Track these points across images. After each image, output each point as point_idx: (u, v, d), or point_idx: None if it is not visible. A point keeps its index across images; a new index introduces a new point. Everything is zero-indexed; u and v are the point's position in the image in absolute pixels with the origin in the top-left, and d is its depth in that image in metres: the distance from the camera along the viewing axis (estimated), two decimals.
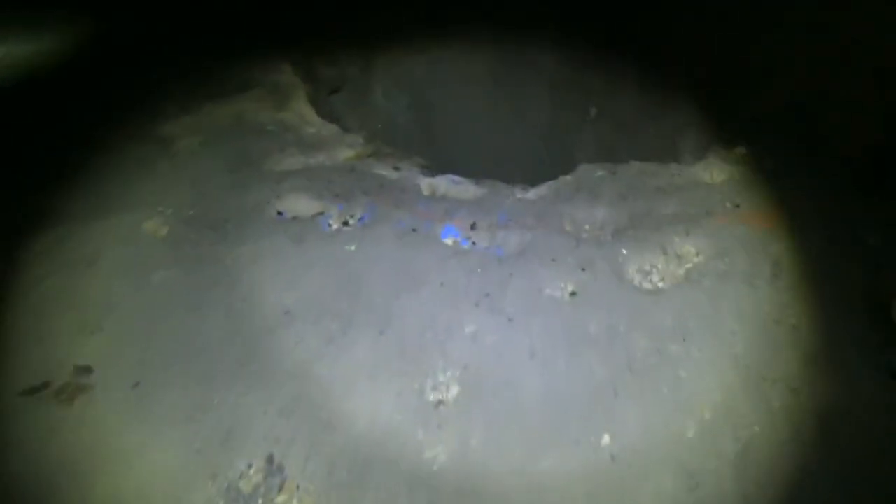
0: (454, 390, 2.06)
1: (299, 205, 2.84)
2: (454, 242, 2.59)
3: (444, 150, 5.43)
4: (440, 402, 2.02)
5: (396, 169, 3.17)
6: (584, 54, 4.99)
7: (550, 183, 3.06)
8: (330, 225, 2.68)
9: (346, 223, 2.69)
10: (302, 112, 3.79)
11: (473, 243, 2.60)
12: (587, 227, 2.69)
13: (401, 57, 5.25)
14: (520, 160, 5.33)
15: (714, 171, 2.99)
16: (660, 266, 2.50)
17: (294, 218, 2.76)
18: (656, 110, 4.15)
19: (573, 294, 2.37)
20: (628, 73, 4.42)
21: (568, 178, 3.05)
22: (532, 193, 3.01)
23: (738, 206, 2.72)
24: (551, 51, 5.15)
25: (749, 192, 2.81)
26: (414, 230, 2.61)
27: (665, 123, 4.01)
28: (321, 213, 2.76)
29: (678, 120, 3.87)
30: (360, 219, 2.70)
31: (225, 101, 3.84)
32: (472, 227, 2.68)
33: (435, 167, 5.96)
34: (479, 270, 2.46)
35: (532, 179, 5.68)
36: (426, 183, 3.01)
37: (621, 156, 4.46)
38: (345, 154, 3.30)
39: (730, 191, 2.84)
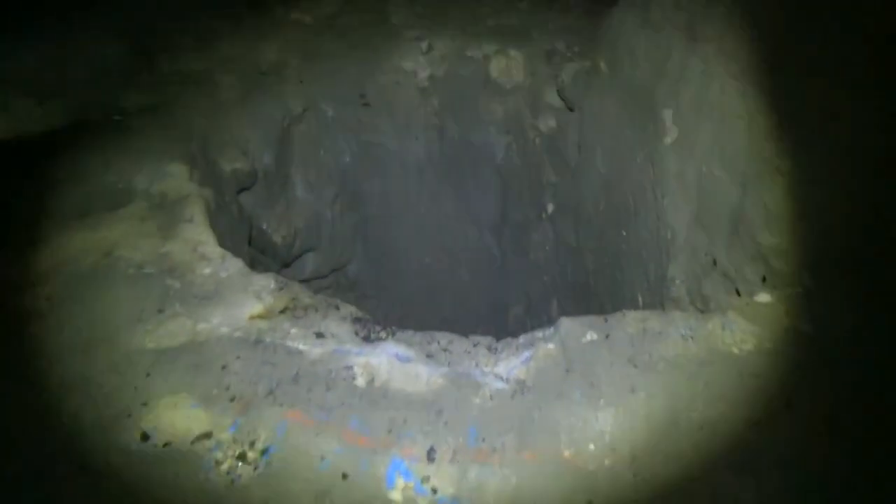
0: None
1: (176, 419, 1.91)
2: (405, 492, 1.72)
3: (378, 255, 4.58)
4: None
5: (319, 337, 2.29)
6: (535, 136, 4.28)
7: (526, 356, 2.25)
8: (217, 463, 1.77)
9: (241, 457, 1.79)
10: (196, 238, 2.86)
11: (434, 490, 1.74)
12: (592, 447, 1.88)
13: (324, 139, 4.39)
14: (471, 265, 4.52)
15: (737, 334, 2.25)
16: None
17: (166, 445, 1.83)
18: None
19: None
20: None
21: (550, 347, 2.25)
22: (506, 374, 2.18)
23: (788, 405, 1.97)
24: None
25: (799, 376, 2.07)
26: (344, 476, 1.72)
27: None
28: (206, 436, 1.84)
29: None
30: (264, 453, 1.79)
31: (88, 226, 2.87)
32: (430, 456, 1.82)
33: (369, 304, 5.10)
34: None
35: (491, 298, 4.91)
36: (360, 365, 2.14)
37: (587, 265, 3.72)
38: (249, 310, 2.39)
39: (770, 372, 2.10)
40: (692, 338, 2.21)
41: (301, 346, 2.21)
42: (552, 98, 4.14)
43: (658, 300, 3.16)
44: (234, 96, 4.29)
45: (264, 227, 4.34)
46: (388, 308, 5.12)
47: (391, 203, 4.70)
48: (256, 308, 2.41)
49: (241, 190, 4.13)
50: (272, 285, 2.55)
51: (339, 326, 2.38)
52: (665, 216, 3.04)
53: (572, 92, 3.89)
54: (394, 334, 2.45)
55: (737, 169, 2.61)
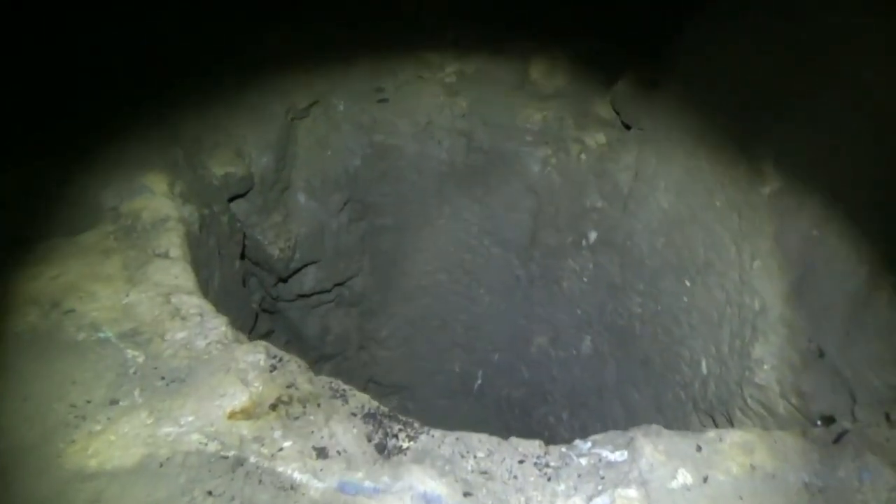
0: None
1: None
2: None
3: (387, 270, 4.00)
4: None
5: (321, 455, 1.72)
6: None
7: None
8: None
9: None
10: (170, 282, 2.28)
11: None
12: None
13: (332, 139, 3.77)
14: (491, 287, 3.95)
15: (882, 492, 1.67)
16: None
17: None
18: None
19: None
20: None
21: (630, 495, 1.68)
22: None
23: None
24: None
25: None
26: None
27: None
28: None
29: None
30: None
31: (37, 258, 2.29)
32: None
33: (375, 321, 4.47)
34: None
35: (511, 325, 4.29)
36: None
37: (632, 308, 3.15)
38: (231, 404, 1.82)
39: None
40: (820, 491, 1.64)
41: (296, 475, 1.64)
42: (603, 109, 3.52)
43: (733, 378, 2.59)
44: (229, 86, 3.65)
45: (259, 237, 3.75)
46: (396, 327, 4.57)
47: (405, 214, 4.10)
48: (240, 399, 1.84)
49: (234, 197, 3.52)
50: (262, 361, 1.97)
51: (346, 433, 1.81)
52: (753, 281, 2.45)
53: (630, 106, 3.27)
54: (416, 438, 1.88)
55: (865, 243, 2.02)
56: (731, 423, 2.70)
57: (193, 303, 2.21)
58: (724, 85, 2.59)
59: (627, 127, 3.30)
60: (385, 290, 4.40)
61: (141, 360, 1.95)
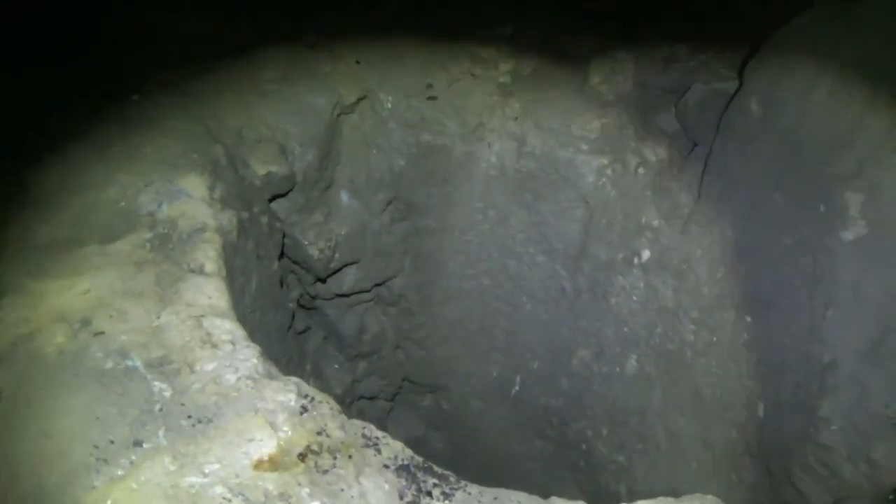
0: None
1: None
2: None
3: (429, 271, 3.88)
4: None
5: None
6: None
7: None
8: None
9: None
10: (203, 303, 2.19)
11: None
12: None
13: (378, 137, 3.64)
14: (535, 295, 3.79)
15: None
16: None
17: None
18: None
19: None
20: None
21: None
22: None
23: None
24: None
25: None
26: None
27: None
28: None
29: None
30: None
31: (68, 269, 2.22)
32: None
33: (413, 321, 4.30)
34: None
35: (553, 336, 4.12)
36: None
37: (685, 335, 2.97)
38: (258, 452, 1.72)
39: None
40: None
41: None
42: (666, 121, 3.29)
43: (794, 431, 2.40)
44: (271, 77, 3.52)
45: (300, 237, 3.66)
46: (434, 328, 4.45)
47: (449, 216, 3.95)
48: (268, 446, 1.74)
49: (275, 197, 3.42)
50: (293, 402, 1.87)
51: (377, 489, 1.70)
52: (824, 331, 2.24)
53: (698, 120, 3.04)
54: (451, 496, 1.76)
55: None
56: (788, 479, 2.51)
57: (226, 328, 2.12)
58: (809, 114, 2.35)
59: (694, 143, 3.07)
60: (425, 291, 4.28)
61: (168, 394, 1.86)
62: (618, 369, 3.93)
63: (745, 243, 2.66)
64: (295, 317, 3.89)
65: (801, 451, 2.37)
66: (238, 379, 1.92)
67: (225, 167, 3.00)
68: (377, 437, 1.86)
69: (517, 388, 4.74)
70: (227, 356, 2.00)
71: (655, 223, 3.27)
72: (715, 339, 2.98)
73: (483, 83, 3.73)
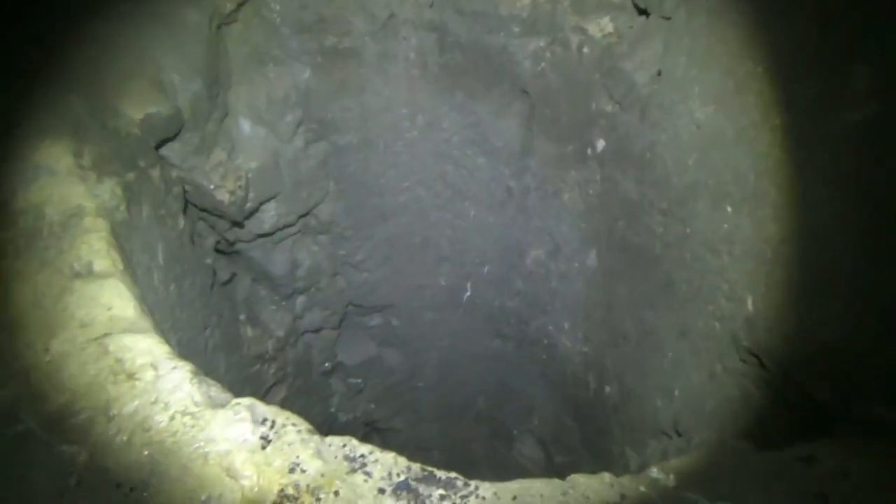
0: None
1: None
2: None
3: (357, 191, 3.46)
4: None
5: None
6: None
7: None
8: None
9: None
10: (103, 317, 1.71)
11: None
12: None
13: (272, 48, 3.06)
14: (478, 200, 3.45)
15: None
16: None
17: None
18: None
19: None
20: None
21: None
22: None
23: None
24: None
25: None
26: None
27: None
28: None
29: None
30: None
31: None
32: None
33: (348, 245, 3.83)
34: None
35: (503, 238, 3.73)
36: None
37: (653, 227, 2.75)
38: None
39: None
40: None
41: None
42: None
43: (791, 328, 2.24)
44: None
45: (203, 182, 3.10)
46: (373, 249, 4.07)
47: (371, 128, 3.46)
48: (231, 498, 1.36)
49: (163, 142, 2.82)
50: (249, 433, 1.48)
51: None
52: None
53: None
54: None
55: None
56: (785, 374, 2.37)
57: (140, 347, 1.67)
58: None
59: (644, 13, 2.65)
60: (357, 213, 3.85)
61: (83, 457, 1.44)
62: (577, 265, 3.70)
63: (721, 129, 2.35)
64: (215, 269, 3.41)
65: (803, 350, 2.20)
66: (172, 417, 1.51)
67: (89, 122, 2.38)
68: (362, 456, 1.52)
69: (468, 293, 4.50)
70: (151, 387, 1.57)
71: (609, 109, 2.90)
72: (688, 230, 2.73)
73: None
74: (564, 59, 2.99)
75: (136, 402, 1.53)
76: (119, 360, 1.62)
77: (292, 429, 1.52)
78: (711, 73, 2.36)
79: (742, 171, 2.33)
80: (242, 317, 3.78)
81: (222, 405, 1.56)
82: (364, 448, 1.54)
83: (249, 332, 3.81)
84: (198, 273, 3.10)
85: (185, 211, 3.05)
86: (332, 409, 4.95)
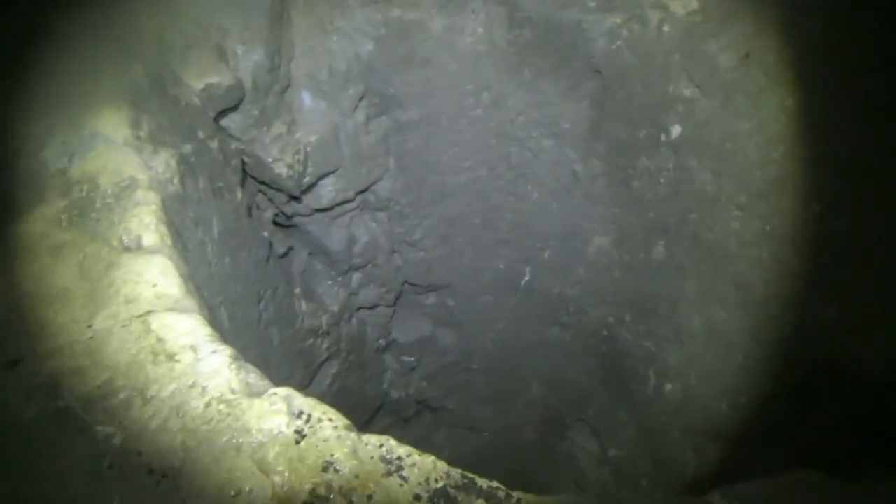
0: None
1: None
2: None
3: (418, 168, 3.37)
4: None
5: None
6: None
7: None
8: None
9: None
10: (149, 297, 1.68)
11: None
12: None
13: (336, 19, 2.98)
14: (542, 183, 3.31)
15: None
16: None
17: None
18: None
19: None
20: None
21: None
22: None
23: None
24: None
25: None
26: None
27: None
28: None
29: None
30: None
31: None
32: None
33: (406, 223, 3.74)
34: None
35: (566, 223, 3.56)
36: None
37: (728, 222, 2.56)
38: None
39: None
40: None
41: None
42: None
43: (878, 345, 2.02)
44: None
45: (262, 154, 3.07)
46: (431, 228, 3.98)
47: (435, 105, 3.34)
48: (260, 501, 1.30)
49: (223, 113, 2.79)
50: (284, 426, 1.43)
51: None
52: None
53: None
54: None
55: None
56: (873, 396, 2.16)
57: (182, 327, 1.63)
58: None
59: None
60: (416, 190, 3.76)
61: (118, 440, 1.41)
62: (642, 256, 3.51)
63: (815, 119, 2.11)
64: (272, 242, 3.39)
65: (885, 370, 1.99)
66: (207, 404, 1.46)
67: (149, 91, 2.35)
68: (399, 458, 1.44)
69: (527, 278, 4.36)
70: (190, 371, 1.53)
71: (688, 93, 2.69)
72: (769, 228, 2.52)
73: None
74: (642, 37, 2.78)
75: (173, 385, 1.49)
76: (160, 340, 1.58)
77: (328, 424, 1.45)
78: (806, 55, 2.13)
79: (833, 167, 2.11)
80: (298, 291, 3.76)
81: (259, 394, 1.50)
82: (402, 450, 1.46)
83: (304, 306, 3.79)
84: (254, 246, 3.08)
85: (243, 183, 3.02)
86: (385, 386, 4.93)
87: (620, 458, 4.44)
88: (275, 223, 3.57)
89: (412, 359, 4.91)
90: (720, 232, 2.84)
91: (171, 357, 1.55)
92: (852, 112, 2.17)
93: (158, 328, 1.61)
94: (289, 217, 3.51)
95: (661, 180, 3.08)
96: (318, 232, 3.70)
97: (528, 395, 5.20)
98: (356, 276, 4.12)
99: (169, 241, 1.88)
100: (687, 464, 3.40)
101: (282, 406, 1.47)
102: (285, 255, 3.67)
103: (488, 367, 5.16)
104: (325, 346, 3.99)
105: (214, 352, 1.57)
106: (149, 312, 1.65)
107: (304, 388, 3.92)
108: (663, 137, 2.94)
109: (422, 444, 4.55)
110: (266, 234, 3.29)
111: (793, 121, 2.26)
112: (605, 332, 4.15)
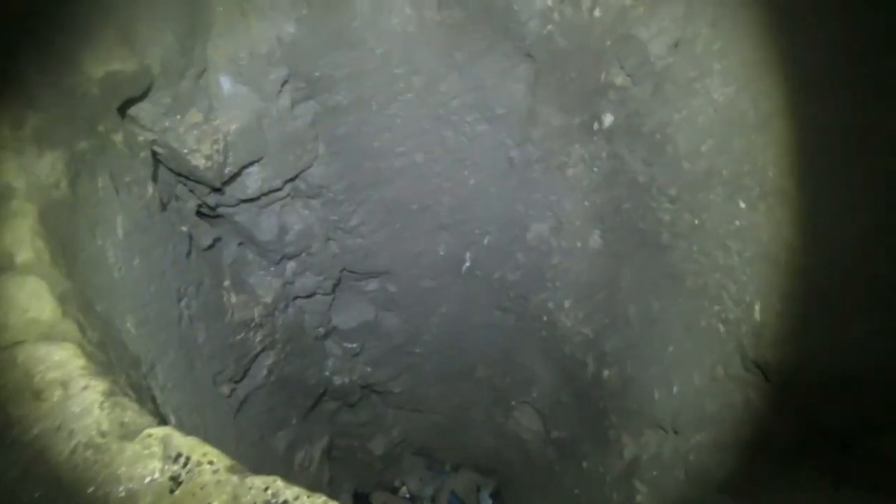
0: None
1: None
2: None
3: (350, 154, 3.24)
4: None
5: None
6: None
7: None
8: None
9: None
10: (18, 322, 1.53)
11: None
12: None
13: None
14: (479, 168, 3.22)
15: None
16: None
17: None
18: None
19: None
20: None
21: None
22: None
23: None
24: None
25: None
26: None
27: None
28: None
29: None
30: None
31: None
32: None
33: (341, 209, 3.55)
34: None
35: (504, 209, 3.45)
36: None
37: (660, 214, 2.50)
38: None
39: None
40: None
41: None
42: None
43: (806, 346, 2.00)
44: None
45: (176, 146, 2.87)
46: (367, 214, 3.85)
47: (364, 88, 3.18)
48: None
49: (128, 102, 2.59)
50: (157, 472, 1.31)
51: None
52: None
53: None
54: None
55: None
56: (794, 397, 2.15)
57: (53, 359, 1.48)
58: None
59: None
60: (349, 176, 3.61)
61: None
62: (579, 244, 3.45)
63: (743, 112, 2.04)
64: (193, 235, 3.22)
65: (815, 371, 1.96)
66: (73, 450, 1.33)
67: (37, 81, 2.14)
68: (286, 502, 1.33)
69: (468, 263, 4.28)
70: (57, 410, 1.39)
71: (619, 81, 2.59)
72: (697, 222, 2.46)
73: None
74: (574, 21, 2.66)
75: (37, 428, 1.35)
76: (27, 374, 1.44)
77: (208, 468, 1.34)
78: (737, 46, 2.04)
79: (761, 164, 2.05)
80: (227, 283, 3.60)
81: (133, 435, 1.37)
82: (289, 492, 1.35)
83: (234, 298, 3.64)
84: (171, 241, 2.91)
85: (155, 177, 2.84)
86: (327, 373, 4.84)
87: (564, 438, 4.46)
88: (199, 214, 3.39)
89: (355, 345, 4.81)
90: (652, 222, 2.78)
91: (37, 395, 1.41)
92: (783, 104, 2.10)
93: (25, 361, 1.46)
94: (213, 208, 3.33)
95: (595, 169, 3.00)
96: (246, 222, 3.53)
97: (474, 376, 5.17)
98: (290, 265, 3.98)
99: (47, 258, 1.71)
100: (624, 447, 3.40)
101: (157, 449, 1.35)
102: (211, 246, 3.50)
103: (434, 350, 5.10)
104: (258, 338, 3.85)
105: (86, 387, 1.43)
106: (16, 343, 1.50)
107: (236, 382, 3.79)
108: (596, 125, 2.85)
109: (372, 425, 4.46)
110: (186, 227, 3.11)
111: (720, 112, 2.18)
112: (545, 318, 4.11)
